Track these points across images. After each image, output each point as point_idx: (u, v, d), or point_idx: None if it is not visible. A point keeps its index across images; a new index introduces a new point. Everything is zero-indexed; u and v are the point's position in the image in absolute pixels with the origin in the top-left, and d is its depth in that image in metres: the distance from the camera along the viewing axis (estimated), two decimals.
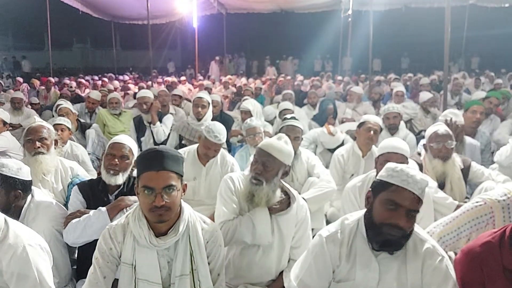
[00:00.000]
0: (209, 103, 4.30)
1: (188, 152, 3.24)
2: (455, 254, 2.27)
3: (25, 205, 2.17)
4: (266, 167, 2.13)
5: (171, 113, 5.32)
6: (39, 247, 1.80)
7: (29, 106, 6.78)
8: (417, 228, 1.74)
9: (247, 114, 4.64)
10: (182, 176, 1.75)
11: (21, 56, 19.27)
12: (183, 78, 12.33)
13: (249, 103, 4.80)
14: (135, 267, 1.75)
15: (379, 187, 1.69)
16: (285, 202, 2.21)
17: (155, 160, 1.68)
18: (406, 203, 1.60)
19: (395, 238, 1.61)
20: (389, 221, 1.61)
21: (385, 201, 1.64)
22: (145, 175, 1.67)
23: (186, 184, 1.80)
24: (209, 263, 1.83)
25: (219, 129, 3.11)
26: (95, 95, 6.04)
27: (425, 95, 5.60)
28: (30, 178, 2.17)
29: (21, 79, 11.58)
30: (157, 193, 1.64)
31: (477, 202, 2.02)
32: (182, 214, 1.77)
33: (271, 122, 5.15)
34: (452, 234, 2.06)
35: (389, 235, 1.61)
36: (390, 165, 1.72)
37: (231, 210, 2.22)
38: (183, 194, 1.77)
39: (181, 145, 4.27)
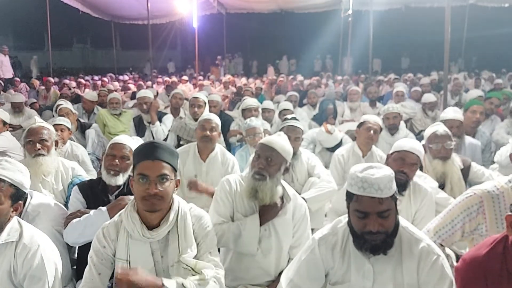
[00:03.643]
0: (205, 103, 4.30)
1: (189, 148, 3.25)
2: (456, 255, 2.28)
3: (25, 207, 2.17)
4: (269, 162, 2.14)
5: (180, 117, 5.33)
6: (50, 249, 1.83)
7: (28, 106, 6.78)
8: (412, 227, 1.75)
9: (256, 111, 4.65)
10: (176, 170, 1.80)
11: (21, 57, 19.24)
12: (185, 77, 12.31)
13: (252, 101, 4.83)
14: (129, 263, 1.77)
15: (347, 197, 1.69)
16: (276, 207, 2.20)
17: (151, 150, 1.74)
18: (370, 209, 1.59)
19: (379, 242, 1.61)
20: (365, 229, 1.61)
21: (354, 212, 1.65)
22: (140, 164, 1.73)
23: (179, 180, 1.84)
24: (198, 244, 1.84)
25: (209, 113, 3.32)
26: (90, 95, 6.04)
27: (429, 97, 5.59)
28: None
29: (19, 79, 11.58)
30: (151, 180, 1.70)
31: (467, 193, 2.04)
32: (173, 205, 1.80)
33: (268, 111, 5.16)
34: (447, 228, 2.06)
35: (373, 241, 1.61)
36: (351, 170, 1.70)
37: (222, 214, 2.22)
38: (176, 188, 1.81)
39: (179, 146, 4.26)
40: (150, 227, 1.75)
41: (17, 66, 19.51)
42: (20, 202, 1.81)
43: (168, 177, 1.73)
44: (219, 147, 3.31)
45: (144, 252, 1.77)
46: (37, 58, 13.49)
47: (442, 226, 2.08)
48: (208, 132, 3.16)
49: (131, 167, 2.38)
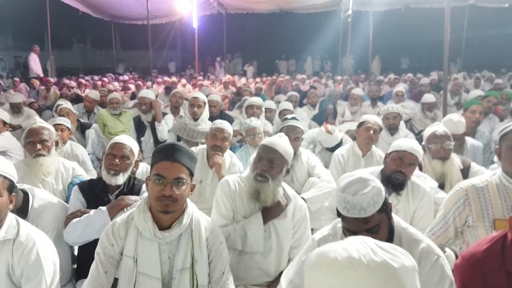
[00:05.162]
0: (205, 103, 4.30)
1: (197, 154, 3.16)
2: (455, 255, 2.28)
3: (29, 204, 2.18)
4: (272, 164, 2.14)
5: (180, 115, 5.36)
6: (48, 247, 1.83)
7: (27, 106, 6.76)
8: (411, 228, 1.74)
9: (258, 109, 4.66)
10: (192, 175, 1.80)
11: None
12: (183, 80, 12.29)
13: (255, 98, 4.84)
14: (136, 261, 1.76)
15: (337, 213, 1.66)
16: (281, 207, 2.20)
17: (171, 152, 1.74)
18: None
19: None
20: None
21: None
22: (159, 165, 1.73)
23: (194, 184, 1.83)
24: (211, 262, 1.84)
25: (222, 121, 3.27)
26: (94, 94, 6.04)
27: (428, 97, 5.60)
28: None
29: (18, 79, 11.62)
30: (167, 182, 1.69)
31: (455, 189, 2.08)
32: (187, 209, 1.80)
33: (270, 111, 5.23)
34: (440, 224, 2.10)
35: None
36: (338, 184, 1.67)
37: (225, 215, 2.23)
38: (190, 193, 1.80)
39: None
40: (162, 228, 1.75)
41: (17, 66, 19.55)
42: (14, 194, 1.82)
43: (185, 181, 1.73)
44: (228, 152, 3.29)
45: (152, 252, 1.76)
46: (54, 59, 13.51)
47: (436, 223, 2.12)
48: (219, 142, 3.13)
49: (131, 167, 2.40)
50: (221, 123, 3.21)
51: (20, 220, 1.85)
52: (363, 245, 0.97)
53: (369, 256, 0.93)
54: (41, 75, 12.34)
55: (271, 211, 2.19)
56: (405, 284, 0.93)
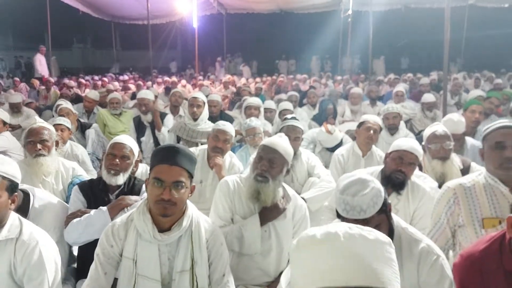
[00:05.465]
0: (204, 103, 4.30)
1: (198, 154, 3.18)
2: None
3: (30, 204, 2.18)
4: (272, 164, 2.13)
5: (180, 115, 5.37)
6: (50, 246, 1.83)
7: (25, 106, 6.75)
8: (411, 228, 1.75)
9: (256, 109, 4.67)
10: (192, 176, 1.78)
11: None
12: (183, 81, 12.28)
13: (254, 99, 4.85)
14: (136, 262, 1.76)
15: (337, 214, 1.65)
16: (279, 209, 2.20)
17: (170, 154, 1.71)
18: None
19: None
20: None
21: None
22: (157, 168, 1.71)
23: (194, 186, 1.82)
24: (211, 263, 1.83)
25: (225, 122, 3.24)
26: (93, 94, 6.05)
27: (428, 97, 5.60)
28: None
29: (18, 79, 11.62)
30: (166, 186, 1.67)
31: (443, 189, 2.10)
32: (187, 211, 1.79)
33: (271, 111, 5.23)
34: (436, 227, 2.11)
35: None
36: (337, 185, 1.66)
37: (223, 217, 2.23)
38: (190, 194, 1.79)
39: None
40: (161, 230, 1.74)
41: (17, 66, 19.56)
42: (16, 193, 1.81)
43: (184, 184, 1.71)
44: (228, 152, 3.28)
45: (151, 253, 1.76)
46: (55, 59, 13.30)
47: (433, 226, 2.13)
48: (221, 144, 3.12)
49: (132, 167, 2.41)
50: (224, 125, 3.19)
51: (23, 219, 1.85)
52: (341, 224, 1.00)
53: (345, 230, 0.95)
54: (47, 76, 12.29)
55: (268, 213, 2.18)
56: (379, 256, 0.94)
